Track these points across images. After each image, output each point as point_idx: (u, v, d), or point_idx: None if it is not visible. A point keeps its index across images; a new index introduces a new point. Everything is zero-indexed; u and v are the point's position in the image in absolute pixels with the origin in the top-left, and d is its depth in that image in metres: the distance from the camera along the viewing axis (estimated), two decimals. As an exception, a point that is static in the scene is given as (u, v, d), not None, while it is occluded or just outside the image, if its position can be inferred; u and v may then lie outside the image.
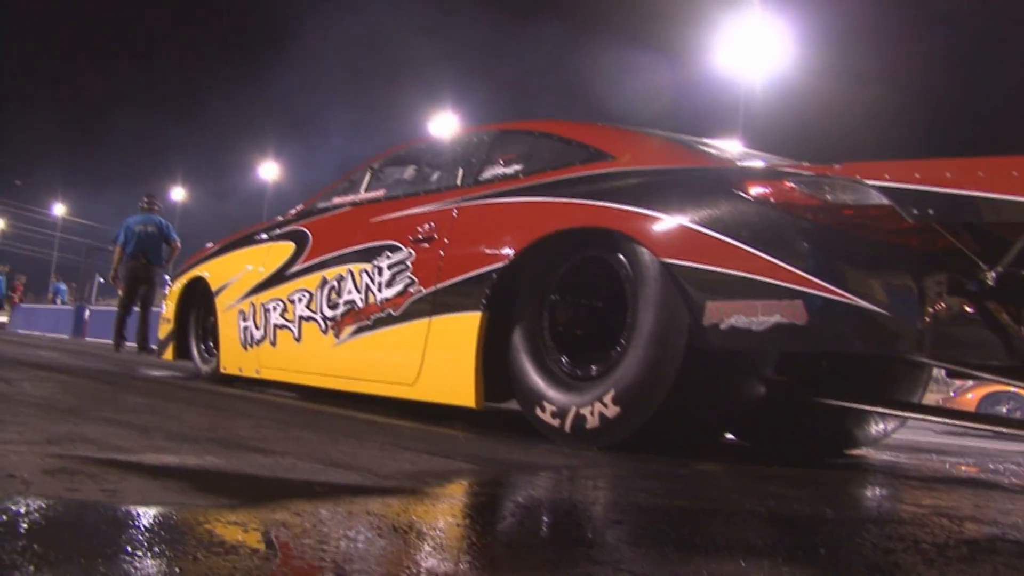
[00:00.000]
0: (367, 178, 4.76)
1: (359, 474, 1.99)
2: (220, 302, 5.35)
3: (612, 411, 2.90)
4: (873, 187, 2.57)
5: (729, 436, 3.94)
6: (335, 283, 4.25)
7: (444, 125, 31.73)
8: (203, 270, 5.73)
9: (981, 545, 1.77)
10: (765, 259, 2.62)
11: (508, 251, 3.36)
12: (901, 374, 3.59)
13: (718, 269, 2.71)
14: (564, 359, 3.21)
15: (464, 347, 3.38)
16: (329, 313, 4.25)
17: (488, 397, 3.38)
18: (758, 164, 3.26)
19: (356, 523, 1.44)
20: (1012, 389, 10.97)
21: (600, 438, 2.95)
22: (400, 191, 4.43)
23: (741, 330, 2.63)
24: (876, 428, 3.70)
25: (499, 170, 3.83)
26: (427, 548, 1.34)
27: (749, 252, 2.65)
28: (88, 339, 18.35)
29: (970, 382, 10.86)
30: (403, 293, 3.79)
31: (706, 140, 3.88)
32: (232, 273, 5.33)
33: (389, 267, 3.91)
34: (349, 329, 4.09)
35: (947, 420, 3.72)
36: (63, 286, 29.99)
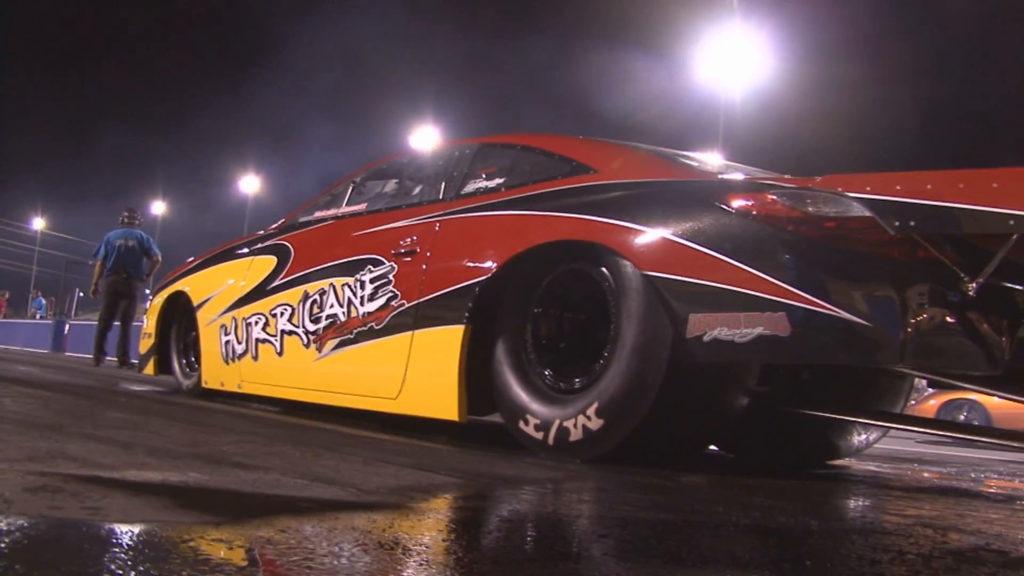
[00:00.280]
0: (349, 192, 4.75)
1: (343, 489, 1.98)
2: (201, 316, 5.32)
3: (595, 424, 2.90)
4: (855, 199, 2.58)
5: (713, 448, 3.95)
6: (317, 297, 4.24)
7: (425, 138, 31.81)
8: (184, 284, 5.70)
9: (966, 555, 1.78)
10: (747, 271, 2.63)
11: (490, 264, 3.36)
12: (883, 385, 3.61)
13: (701, 281, 2.72)
14: (547, 372, 3.21)
15: (447, 360, 3.38)
16: (311, 327, 4.23)
17: (471, 410, 3.37)
18: (739, 177, 3.28)
19: (341, 539, 1.43)
20: (970, 397, 11.50)
21: (584, 451, 2.95)
22: (382, 205, 4.42)
23: (724, 342, 2.64)
24: (859, 438, 3.72)
25: (481, 184, 3.83)
26: (413, 564, 1.34)
27: (731, 264, 2.67)
28: (68, 353, 18.20)
29: (931, 389, 11.10)
30: (385, 307, 3.78)
31: (687, 153, 3.90)
32: (214, 287, 5.30)
33: (371, 281, 3.90)
34: (331, 343, 4.08)
35: (929, 430, 3.74)
36: (42, 300, 29.80)
